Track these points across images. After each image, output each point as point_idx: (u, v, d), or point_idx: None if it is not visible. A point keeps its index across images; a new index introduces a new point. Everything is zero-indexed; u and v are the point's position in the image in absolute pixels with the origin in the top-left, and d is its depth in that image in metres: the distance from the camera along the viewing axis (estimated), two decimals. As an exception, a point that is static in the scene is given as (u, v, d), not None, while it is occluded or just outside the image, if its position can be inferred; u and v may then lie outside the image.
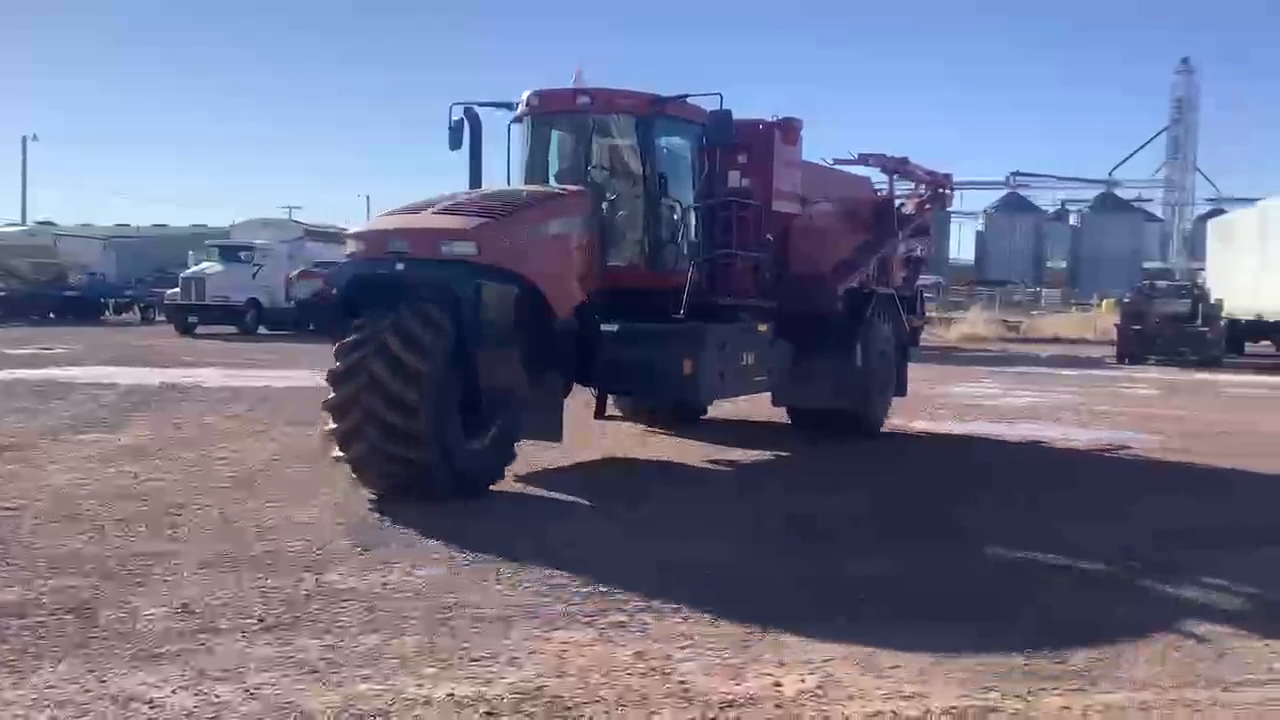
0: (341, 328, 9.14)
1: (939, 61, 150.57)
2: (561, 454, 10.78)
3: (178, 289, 34.37)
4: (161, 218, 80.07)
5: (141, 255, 52.86)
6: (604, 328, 10.33)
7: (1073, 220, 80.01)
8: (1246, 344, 30.08)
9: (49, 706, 4.68)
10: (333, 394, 8.81)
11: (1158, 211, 78.40)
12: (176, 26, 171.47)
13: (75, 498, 8.74)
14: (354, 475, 9.04)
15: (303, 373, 20.33)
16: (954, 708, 4.84)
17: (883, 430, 13.55)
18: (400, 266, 9.12)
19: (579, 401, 11.25)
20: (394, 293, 8.96)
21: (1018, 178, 78.19)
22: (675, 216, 10.96)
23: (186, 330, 33.29)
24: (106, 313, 44.28)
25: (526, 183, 10.99)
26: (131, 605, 6.02)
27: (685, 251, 10.92)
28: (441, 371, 8.63)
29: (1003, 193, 77.91)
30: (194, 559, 6.98)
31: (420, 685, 4.97)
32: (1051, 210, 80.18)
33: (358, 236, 9.90)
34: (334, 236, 42.03)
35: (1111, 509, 9.39)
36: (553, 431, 9.97)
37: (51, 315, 41.15)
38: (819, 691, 5.01)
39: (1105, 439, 13.86)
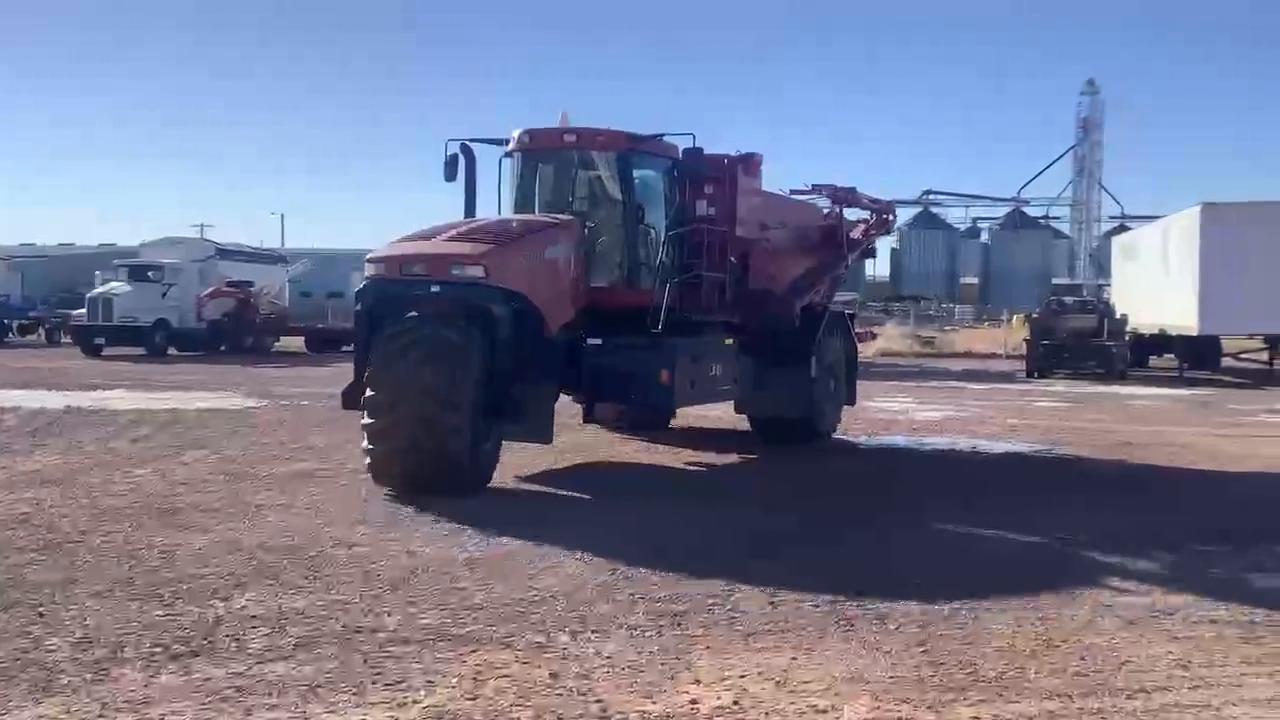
0: (364, 341, 10.39)
1: (853, 80, 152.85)
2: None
3: (84, 310, 33.62)
4: (68, 237, 78.45)
5: (47, 275, 51.63)
6: (589, 341, 11.35)
7: (984, 237, 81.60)
8: (1151, 357, 30.85)
9: (-58, 743, 4.53)
10: (376, 395, 9.80)
11: (1065, 228, 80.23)
12: (83, 38, 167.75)
13: (-27, 526, 8.46)
14: (377, 472, 9.96)
15: (213, 394, 20.02)
16: (867, 720, 4.89)
17: (817, 443, 14.17)
18: (436, 289, 10.27)
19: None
20: (413, 309, 10.24)
21: (930, 195, 79.71)
22: (651, 242, 12.11)
23: (93, 352, 32.56)
24: (10, 334, 43.06)
25: (516, 211, 12.12)
26: (33, 635, 5.84)
27: (659, 273, 11.87)
28: (477, 374, 9.80)
29: (916, 210, 79.26)
30: (97, 587, 6.80)
31: (332, 712, 4.89)
32: (963, 228, 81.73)
33: (377, 261, 10.79)
34: (246, 255, 41.48)
35: (1019, 519, 9.52)
36: (544, 435, 10.84)
37: (-48, 338, 39.98)
38: (735, 708, 5.03)
39: (1016, 450, 14.14)
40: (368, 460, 9.98)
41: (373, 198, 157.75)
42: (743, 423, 14.71)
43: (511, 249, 10.57)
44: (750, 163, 13.22)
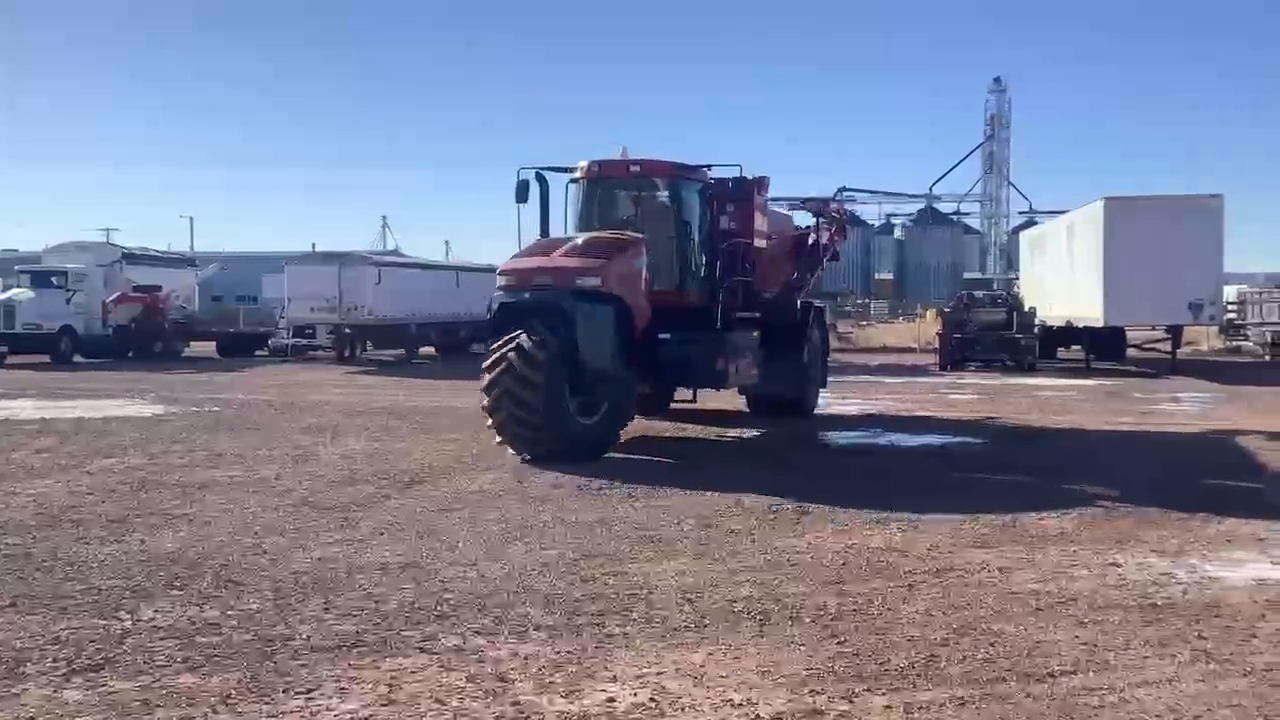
0: (493, 338, 12.66)
1: (767, 78, 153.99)
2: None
3: (-15, 317, 32.64)
4: (-32, 243, 76.02)
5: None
6: (660, 336, 13.48)
7: (897, 233, 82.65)
8: (1059, 349, 31.50)
9: None
10: (486, 380, 12.36)
11: (976, 224, 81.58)
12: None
13: None
14: (499, 439, 12.45)
15: (121, 402, 19.56)
16: (781, 713, 4.94)
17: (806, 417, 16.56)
18: (526, 295, 12.83)
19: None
20: (530, 313, 12.53)
21: (844, 192, 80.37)
22: (697, 253, 14.43)
23: (-4, 361, 31.62)
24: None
25: (580, 229, 14.21)
26: (-72, 654, 5.67)
27: (705, 279, 14.34)
28: (553, 367, 12.09)
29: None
30: (-2, 602, 6.62)
31: (242, 722, 4.81)
32: (877, 224, 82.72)
33: (507, 273, 13.26)
34: (154, 259, 40.51)
35: (929, 508, 9.66)
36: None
37: None
38: (651, 704, 5.05)
39: (928, 442, 14.35)
40: (496, 436, 12.49)
41: (283, 200, 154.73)
42: (724, 403, 16.70)
43: (616, 261, 12.97)
44: (762, 184, 15.49)
